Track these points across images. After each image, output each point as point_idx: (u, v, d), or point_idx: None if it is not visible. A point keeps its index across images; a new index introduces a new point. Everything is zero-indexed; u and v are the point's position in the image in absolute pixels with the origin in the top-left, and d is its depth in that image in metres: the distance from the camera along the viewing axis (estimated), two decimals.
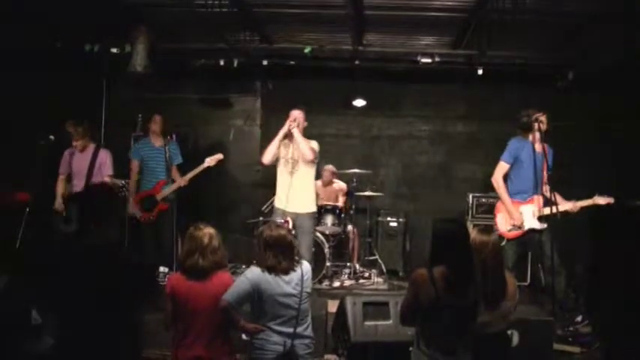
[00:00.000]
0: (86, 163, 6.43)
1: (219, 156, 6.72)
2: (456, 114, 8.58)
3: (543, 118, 5.72)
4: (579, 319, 5.54)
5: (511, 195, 5.80)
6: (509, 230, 5.74)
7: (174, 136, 7.32)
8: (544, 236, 5.63)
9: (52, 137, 6.44)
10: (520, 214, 5.71)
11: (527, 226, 5.68)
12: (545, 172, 5.74)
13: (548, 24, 6.36)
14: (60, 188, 6.51)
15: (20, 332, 4.44)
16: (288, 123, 5.99)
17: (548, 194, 5.64)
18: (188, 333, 3.71)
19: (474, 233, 3.86)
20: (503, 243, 5.59)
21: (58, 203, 6.43)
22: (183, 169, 6.84)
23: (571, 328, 5.43)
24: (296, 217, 5.91)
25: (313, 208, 6.18)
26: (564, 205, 5.63)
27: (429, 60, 7.34)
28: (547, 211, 5.57)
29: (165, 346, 4.47)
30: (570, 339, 5.27)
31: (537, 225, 5.66)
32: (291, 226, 5.91)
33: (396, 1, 6.06)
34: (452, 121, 8.61)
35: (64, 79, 7.42)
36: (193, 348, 3.69)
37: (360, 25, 6.78)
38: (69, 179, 6.56)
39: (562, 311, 5.51)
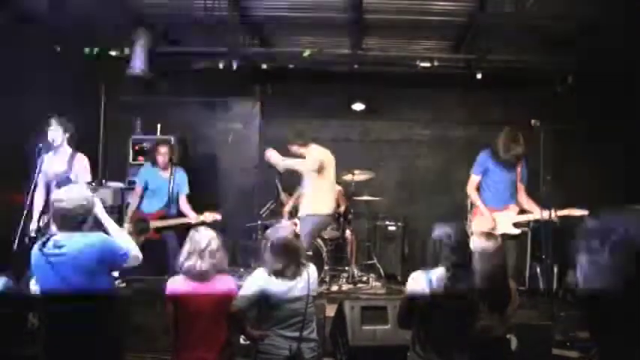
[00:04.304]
0: (62, 167, 6.21)
1: (218, 217, 6.52)
2: (456, 118, 8.58)
3: (514, 144, 5.74)
4: (578, 323, 5.52)
5: (486, 203, 5.97)
6: None
7: (170, 141, 7.30)
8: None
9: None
10: (494, 220, 5.87)
11: (500, 230, 5.75)
12: (519, 183, 5.95)
13: (548, 28, 6.36)
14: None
15: (16, 336, 4.42)
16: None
17: (524, 204, 5.91)
18: (190, 336, 3.69)
19: (479, 238, 3.87)
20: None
21: None
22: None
23: (570, 333, 5.41)
24: None
25: None
26: (537, 214, 5.82)
27: (429, 64, 7.34)
28: (522, 218, 5.87)
29: (164, 351, 4.45)
30: (569, 344, 5.26)
31: (512, 230, 5.82)
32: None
33: (395, 6, 6.06)
34: (451, 125, 8.61)
35: (63, 81, 7.40)
36: (195, 351, 3.66)
37: (360, 29, 6.78)
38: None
39: (560, 316, 5.50)
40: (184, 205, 6.68)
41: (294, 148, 6.26)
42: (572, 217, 5.77)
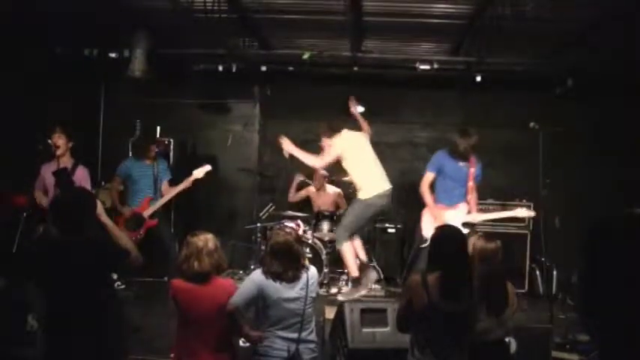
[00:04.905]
0: None
1: (207, 167, 6.66)
2: (455, 121, 8.55)
3: (465, 140, 5.97)
4: (577, 326, 5.53)
5: (438, 201, 6.09)
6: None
7: (169, 143, 7.34)
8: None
9: (50, 142, 6.38)
10: (443, 218, 5.94)
11: None
12: (471, 182, 6.05)
13: (548, 31, 6.36)
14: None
15: (15, 337, 4.41)
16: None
17: (471, 204, 6.08)
18: (191, 338, 3.69)
19: (477, 240, 3.88)
20: (425, 245, 5.81)
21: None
22: (183, 174, 6.83)
23: (569, 336, 5.42)
24: None
25: None
26: (474, 216, 6.05)
27: (428, 67, 7.34)
28: (469, 218, 5.99)
29: (162, 353, 4.45)
30: (568, 346, 5.26)
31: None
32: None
33: (395, 8, 6.06)
34: (450, 127, 8.54)
35: (62, 84, 7.41)
36: (196, 354, 3.66)
37: (360, 31, 6.78)
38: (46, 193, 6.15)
39: (560, 318, 5.50)
40: (168, 189, 6.77)
41: (323, 139, 6.42)
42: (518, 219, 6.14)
